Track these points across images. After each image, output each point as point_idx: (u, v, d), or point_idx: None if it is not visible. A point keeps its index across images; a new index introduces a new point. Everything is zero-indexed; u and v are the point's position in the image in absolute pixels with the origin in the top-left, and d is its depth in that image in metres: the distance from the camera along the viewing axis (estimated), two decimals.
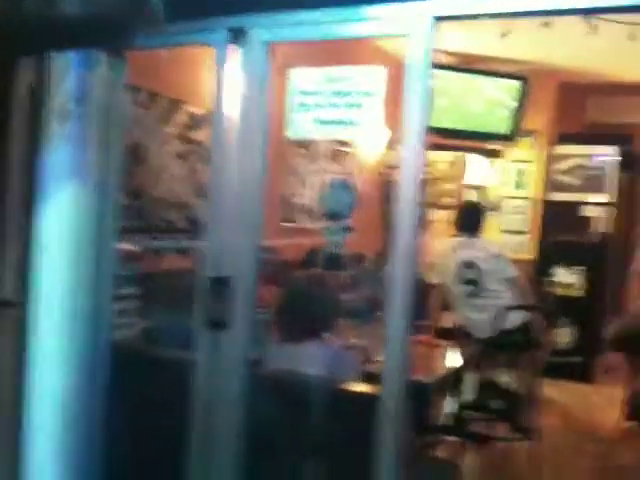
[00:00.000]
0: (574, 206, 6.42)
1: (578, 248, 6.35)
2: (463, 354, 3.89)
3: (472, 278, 4.05)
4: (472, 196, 6.40)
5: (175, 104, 3.40)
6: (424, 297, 4.28)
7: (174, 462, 2.35)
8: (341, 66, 2.04)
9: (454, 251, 4.16)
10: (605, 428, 4.78)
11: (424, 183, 5.65)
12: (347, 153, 1.80)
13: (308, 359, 2.40)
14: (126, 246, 3.16)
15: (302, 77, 2.18)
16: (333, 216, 2.11)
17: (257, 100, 2.24)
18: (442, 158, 6.17)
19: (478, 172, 6.46)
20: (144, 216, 3.31)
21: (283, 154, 2.18)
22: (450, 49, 5.77)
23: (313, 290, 2.46)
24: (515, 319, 3.95)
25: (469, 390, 4.40)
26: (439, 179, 6.12)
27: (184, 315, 2.52)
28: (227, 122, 2.26)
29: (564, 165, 6.55)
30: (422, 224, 5.55)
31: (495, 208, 6.56)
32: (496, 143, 6.28)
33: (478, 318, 4.03)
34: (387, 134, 5.82)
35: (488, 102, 6.01)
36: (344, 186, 2.08)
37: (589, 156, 6.47)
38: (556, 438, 4.63)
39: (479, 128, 5.98)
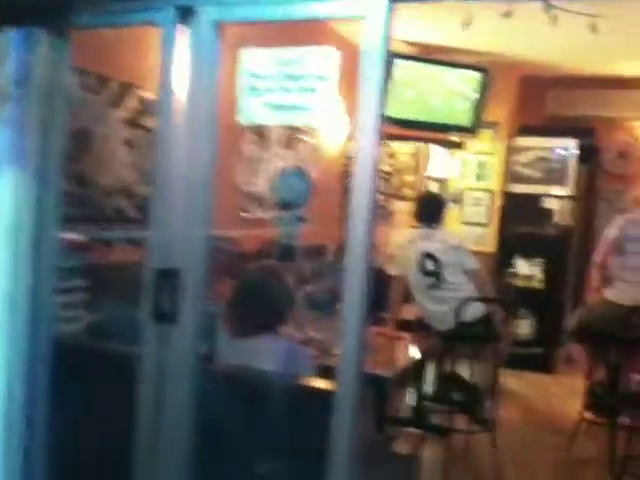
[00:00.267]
0: (535, 198, 6.44)
1: (538, 240, 6.38)
2: (423, 346, 3.84)
3: (432, 270, 4.00)
4: (433, 188, 6.37)
5: (126, 88, 3.27)
6: (384, 289, 4.22)
7: (120, 463, 2.24)
8: (293, 47, 1.95)
9: (414, 242, 4.10)
10: (565, 420, 4.78)
11: (381, 174, 5.59)
12: (304, 141, 1.74)
13: (262, 354, 2.31)
14: (72, 236, 3.03)
15: (253, 58, 2.08)
16: (285, 205, 2.03)
17: (206, 83, 2.14)
18: (403, 149, 6.11)
19: (439, 164, 6.43)
20: (92, 204, 3.18)
21: (235, 140, 2.07)
22: (411, 39, 5.72)
23: (266, 282, 2.37)
24: (475, 311, 3.91)
25: (430, 382, 4.37)
26: (400, 170, 6.06)
27: (133, 308, 2.41)
28: (174, 106, 2.15)
29: (525, 157, 6.56)
30: (378, 215, 5.50)
31: (456, 200, 6.55)
32: (457, 135, 6.25)
33: (438, 310, 3.97)
34: (348, 124, 5.76)
35: (449, 93, 5.97)
36: (298, 174, 1.99)
37: (550, 149, 6.50)
38: (517, 430, 4.63)
39: (440, 120, 5.94)
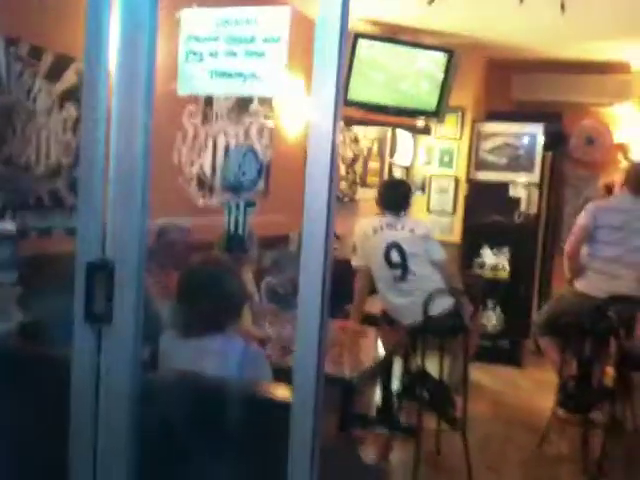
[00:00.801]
0: (501, 186, 6.26)
1: (505, 229, 6.21)
2: (389, 342, 3.61)
3: (398, 261, 3.75)
4: (398, 175, 6.14)
5: (64, 61, 2.95)
6: (348, 281, 3.98)
7: None
8: (237, 6, 1.68)
9: (379, 232, 3.83)
10: (535, 415, 4.62)
11: (344, 160, 5.33)
12: (257, 116, 1.51)
13: (210, 357, 2.05)
14: (3, 224, 2.72)
15: (194, 20, 1.80)
16: (234, 189, 1.75)
17: (142, 49, 1.84)
18: (367, 134, 5.86)
19: (404, 150, 6.19)
20: (24, 189, 2.87)
21: (176, 115, 1.79)
22: (375, 17, 5.48)
23: (213, 276, 2.10)
24: (443, 304, 3.68)
25: (396, 379, 4.15)
26: (364, 156, 5.82)
27: (72, 306, 2.12)
28: (104, 77, 1.86)
29: (490, 144, 6.38)
30: (341, 203, 5.23)
31: (422, 187, 6.33)
32: (423, 119, 6.02)
33: (404, 303, 3.73)
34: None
35: (415, 76, 5.74)
36: (247, 153, 1.71)
37: (516, 135, 6.32)
38: (486, 426, 4.45)
39: (406, 103, 5.71)
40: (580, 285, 4.31)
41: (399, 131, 6.04)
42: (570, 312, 4.19)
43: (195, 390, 1.98)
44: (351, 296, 3.89)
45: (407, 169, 6.36)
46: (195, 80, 1.81)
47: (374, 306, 4.09)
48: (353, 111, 5.62)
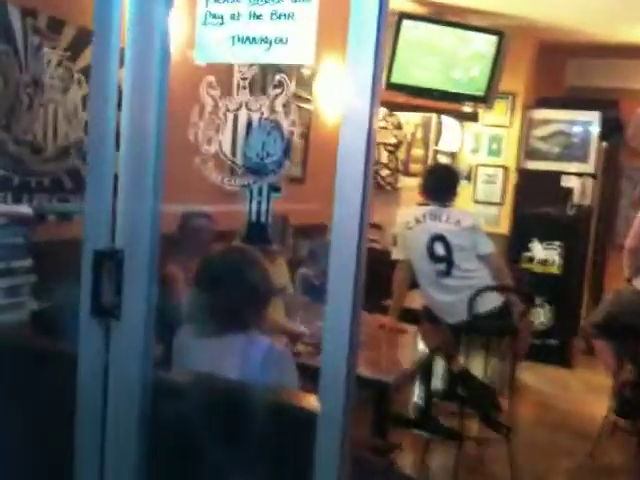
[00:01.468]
0: (553, 176, 5.92)
1: (556, 221, 5.88)
2: (431, 341, 3.37)
3: (442, 255, 3.47)
4: (443, 162, 5.85)
5: (87, 35, 2.76)
6: (388, 274, 3.73)
7: None
8: None
9: (421, 222, 3.55)
10: (586, 421, 4.32)
11: (386, 147, 5.05)
12: (287, 87, 1.33)
13: (231, 358, 1.84)
14: (16, 208, 2.56)
15: None
16: (256, 171, 1.53)
17: (155, 15, 1.64)
18: (411, 120, 5.59)
19: (450, 137, 5.90)
20: (42, 170, 2.70)
21: (192, 86, 1.57)
22: None
23: (234, 267, 1.88)
24: (491, 302, 3.40)
25: (438, 381, 3.91)
26: (408, 143, 5.55)
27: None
28: (114, 45, 1.66)
29: (543, 131, 6.05)
30: (383, 192, 4.97)
31: (468, 176, 6.03)
32: (470, 105, 5.73)
33: (448, 300, 3.45)
34: None
35: (462, 59, 5.45)
36: (272, 130, 1.49)
37: (570, 122, 5.98)
38: (533, 432, 4.17)
39: (452, 88, 5.42)
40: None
41: (444, 117, 5.75)
42: (628, 312, 3.88)
43: (212, 394, 1.78)
44: (390, 290, 3.64)
45: (453, 157, 6.06)
46: (215, 47, 1.59)
47: (415, 301, 3.84)
48: (396, 95, 5.38)
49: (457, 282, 3.43)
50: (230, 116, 1.51)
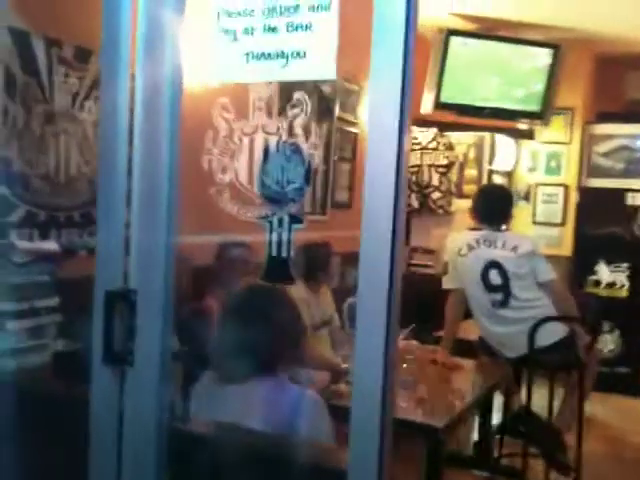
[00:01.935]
0: (617, 193, 5.58)
1: (622, 242, 5.53)
2: (489, 377, 3.11)
3: (498, 283, 3.22)
4: (499, 182, 5.58)
5: None
6: (441, 302, 3.50)
7: None
8: None
9: (474, 249, 3.29)
10: None
11: (438, 169, 4.83)
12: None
13: (257, 407, 1.66)
14: (43, 244, 2.46)
15: None
16: (275, 200, 1.36)
17: (166, 36, 1.50)
18: (463, 140, 5.36)
19: (505, 156, 5.64)
20: (67, 206, 2.59)
21: (206, 111, 1.42)
22: (469, 12, 4.99)
23: (260, 306, 1.70)
24: (554, 333, 3.13)
25: (498, 417, 3.63)
26: (460, 164, 5.31)
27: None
28: (123, 71, 1.53)
29: (605, 147, 5.73)
30: (436, 216, 4.73)
31: (525, 197, 5.75)
32: (525, 122, 5.47)
33: (506, 333, 3.19)
34: None
35: (515, 75, 5.21)
36: (292, 154, 1.31)
37: (634, 136, 5.63)
38: (602, 470, 3.84)
39: (505, 105, 5.18)
40: None
41: (498, 136, 5.50)
42: None
43: (232, 446, 1.60)
44: (443, 320, 3.41)
45: (508, 176, 5.79)
46: (228, 65, 1.44)
47: (470, 331, 3.59)
48: (447, 115, 5.18)
49: (515, 313, 3.17)
50: (246, 141, 1.35)
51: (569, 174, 5.78)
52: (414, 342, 3.76)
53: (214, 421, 1.63)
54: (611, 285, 5.58)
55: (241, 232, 1.79)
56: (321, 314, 3.35)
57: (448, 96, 5.02)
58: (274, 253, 1.39)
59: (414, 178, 5.20)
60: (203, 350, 1.86)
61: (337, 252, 3.53)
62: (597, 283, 5.59)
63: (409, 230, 5.36)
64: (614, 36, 5.44)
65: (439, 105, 5.02)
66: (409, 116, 1.28)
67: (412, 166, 5.20)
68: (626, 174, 5.62)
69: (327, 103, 4.21)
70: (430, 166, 5.18)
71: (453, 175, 5.24)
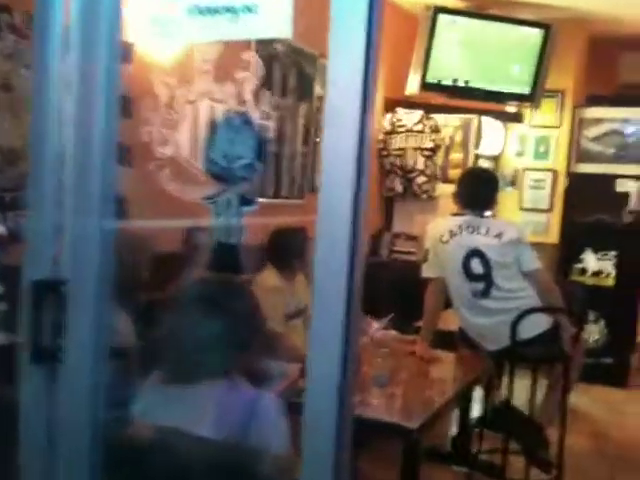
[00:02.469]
0: (607, 179, 5.44)
1: (611, 229, 5.39)
2: (469, 371, 2.96)
3: (479, 272, 3.05)
4: (485, 167, 5.40)
5: None
6: (423, 291, 3.33)
7: None
8: None
9: (456, 235, 3.12)
10: None
11: (423, 152, 4.65)
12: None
13: (206, 412, 1.48)
14: None
15: None
16: (223, 178, 1.17)
17: None
18: (449, 122, 5.18)
19: (493, 139, 5.46)
20: (20, 185, 2.39)
21: (145, 74, 1.23)
22: None
23: (211, 299, 1.52)
24: (537, 325, 2.98)
25: (477, 412, 3.49)
26: (446, 147, 5.13)
27: None
28: (55, 33, 1.34)
29: (595, 131, 5.57)
30: (420, 200, 4.54)
31: (512, 182, 5.58)
32: (514, 105, 5.30)
33: (488, 324, 3.03)
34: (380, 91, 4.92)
35: (505, 55, 5.05)
36: (242, 125, 1.12)
37: (625, 121, 5.48)
38: (587, 466, 3.71)
39: (494, 86, 5.02)
40: None
41: (486, 118, 5.32)
42: None
43: (178, 454, 1.43)
44: (417, 315, 3.24)
45: (496, 161, 5.62)
46: (167, 22, 1.25)
47: (450, 322, 3.43)
48: (433, 96, 5.00)
49: (497, 304, 3.01)
50: (189, 109, 1.18)
51: (558, 159, 5.63)
52: (393, 332, 3.61)
53: (157, 426, 1.45)
54: (598, 274, 5.45)
55: (191, 215, 1.60)
56: (296, 303, 3.18)
57: (435, 77, 4.85)
58: (221, 239, 1.21)
59: (398, 162, 5.02)
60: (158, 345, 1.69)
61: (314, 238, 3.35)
62: (583, 271, 5.46)
63: (392, 216, 5.20)
64: (607, 16, 5.29)
65: (425, 86, 4.85)
66: (373, 95, 1.12)
67: (396, 149, 5.03)
68: (616, 159, 5.48)
69: (307, 81, 4.01)
70: (415, 149, 5.01)
71: (439, 159, 5.06)
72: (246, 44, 1.19)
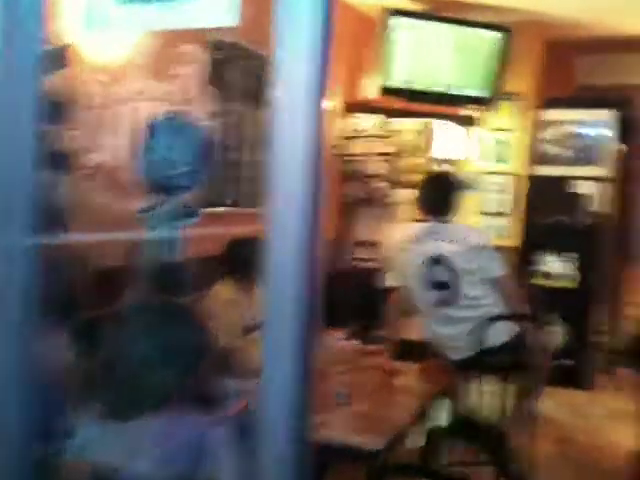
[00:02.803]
0: (566, 182, 5.43)
1: (571, 231, 5.38)
2: (433, 383, 2.86)
3: (443, 280, 2.96)
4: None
5: None
6: (377, 305, 3.23)
7: None
8: None
9: (419, 242, 3.03)
10: (616, 456, 3.81)
11: (381, 157, 4.56)
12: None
13: (147, 447, 1.34)
14: None
15: None
16: (160, 186, 1.04)
17: None
18: (408, 126, 5.10)
19: (452, 143, 5.40)
20: None
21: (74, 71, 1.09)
22: None
23: (149, 324, 1.38)
24: (502, 333, 2.90)
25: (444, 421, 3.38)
26: (405, 151, 5.05)
27: None
28: None
29: (553, 134, 5.55)
30: (379, 207, 4.45)
31: (472, 186, 5.53)
32: (473, 108, 5.25)
33: (452, 333, 2.94)
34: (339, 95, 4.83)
35: (463, 59, 4.99)
36: (182, 127, 0.99)
37: (582, 123, 5.47)
38: (554, 473, 3.65)
39: (452, 90, 4.97)
40: None
41: (446, 122, 5.26)
42: None
43: None
44: (377, 326, 3.14)
45: (456, 165, 5.56)
46: (98, 13, 1.11)
47: (414, 331, 3.33)
48: (392, 101, 4.92)
49: (462, 312, 2.92)
50: (125, 110, 1.04)
51: (517, 162, 5.59)
52: (355, 342, 3.50)
53: (96, 463, 1.31)
54: (559, 276, 5.43)
55: (132, 227, 1.46)
56: (254, 316, 3.05)
57: (393, 81, 4.77)
58: (160, 256, 1.07)
59: (359, 167, 4.93)
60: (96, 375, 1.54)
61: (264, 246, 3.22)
62: (545, 274, 5.43)
63: (353, 222, 5.10)
64: (564, 19, 5.29)
65: (384, 90, 4.77)
66: (323, 92, 1.01)
67: (357, 155, 4.94)
68: (574, 161, 5.47)
69: (256, 82, 3.85)
70: (376, 154, 4.92)
71: (399, 164, 4.98)
72: (189, 36, 1.05)
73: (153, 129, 1.06)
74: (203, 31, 1.01)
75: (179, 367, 1.36)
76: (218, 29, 1.04)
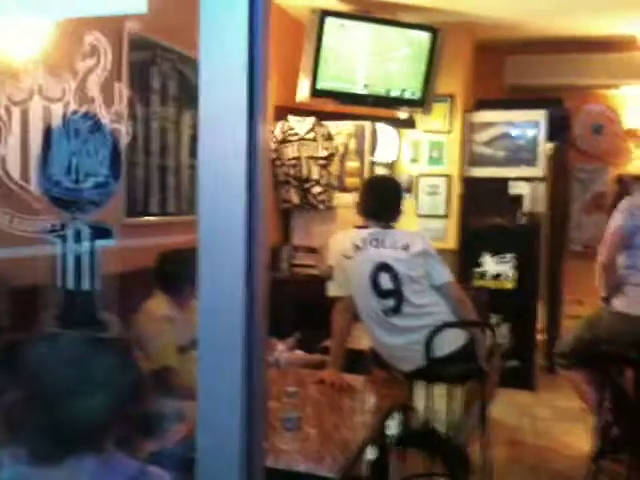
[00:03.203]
0: (500, 183, 5.43)
1: (507, 232, 5.39)
2: (386, 397, 2.73)
3: (389, 288, 2.84)
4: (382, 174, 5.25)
5: None
6: (328, 306, 3.09)
7: None
8: None
9: (361, 249, 2.90)
10: (565, 457, 3.79)
11: (318, 161, 4.44)
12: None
13: None
14: None
15: None
16: (64, 202, 0.87)
17: None
18: (342, 129, 4.99)
19: (386, 146, 5.32)
20: None
21: None
22: None
23: (72, 363, 1.19)
24: (452, 341, 2.80)
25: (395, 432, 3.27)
26: (341, 155, 4.93)
27: None
28: None
29: (485, 135, 5.55)
30: (317, 211, 4.31)
31: (408, 189, 5.46)
32: (406, 110, 5.18)
33: (400, 344, 2.81)
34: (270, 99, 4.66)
35: (393, 59, 4.91)
36: (88, 129, 0.81)
37: (514, 123, 5.49)
38: (507, 477, 3.59)
39: (383, 92, 4.88)
40: (617, 304, 3.44)
41: (380, 125, 5.18)
42: (607, 337, 3.35)
43: None
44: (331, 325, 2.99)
45: (391, 168, 5.49)
46: None
47: (361, 340, 3.20)
48: (324, 103, 4.80)
49: (409, 321, 2.80)
50: (16, 113, 0.87)
51: (451, 164, 5.56)
52: (299, 352, 3.35)
53: None
54: (497, 277, 5.42)
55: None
56: (190, 333, 2.85)
57: (325, 83, 4.64)
58: (70, 284, 0.90)
59: (292, 172, 4.78)
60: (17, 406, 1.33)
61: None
62: (483, 275, 5.41)
63: (290, 228, 4.95)
64: (493, 21, 5.30)
65: (316, 92, 4.63)
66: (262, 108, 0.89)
67: (290, 159, 4.79)
68: (507, 162, 5.47)
69: (192, 89, 3.68)
70: (309, 158, 4.78)
71: (334, 167, 4.86)
72: (91, 24, 0.89)
73: (52, 134, 0.88)
74: (114, 22, 0.84)
75: (107, 397, 1.18)
76: (131, 20, 0.88)
